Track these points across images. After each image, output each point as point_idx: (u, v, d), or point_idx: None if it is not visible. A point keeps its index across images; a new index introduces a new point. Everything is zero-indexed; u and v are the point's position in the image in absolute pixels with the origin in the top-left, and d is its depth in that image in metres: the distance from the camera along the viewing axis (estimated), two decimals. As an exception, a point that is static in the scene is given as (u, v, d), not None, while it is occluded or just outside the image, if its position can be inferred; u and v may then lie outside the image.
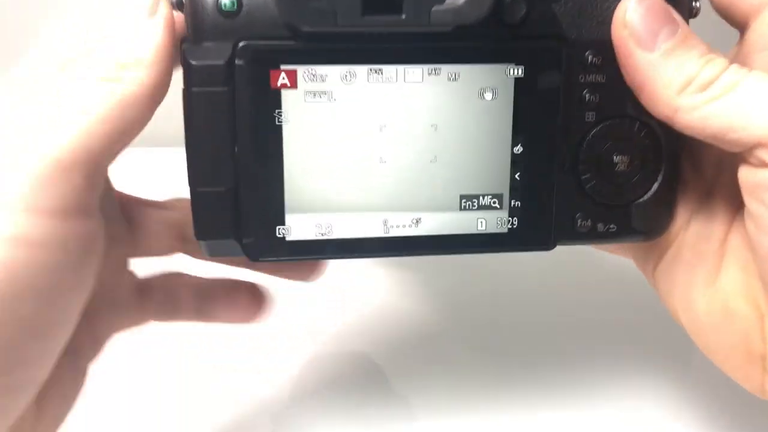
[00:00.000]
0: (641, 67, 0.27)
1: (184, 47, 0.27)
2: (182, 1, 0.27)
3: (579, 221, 0.31)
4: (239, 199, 0.28)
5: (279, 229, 0.29)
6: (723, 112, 0.26)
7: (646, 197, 0.31)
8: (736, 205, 0.31)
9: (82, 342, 0.28)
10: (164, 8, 0.26)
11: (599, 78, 0.30)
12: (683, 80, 0.27)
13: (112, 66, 0.24)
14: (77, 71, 0.24)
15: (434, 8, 0.26)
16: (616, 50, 0.28)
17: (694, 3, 0.31)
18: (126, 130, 0.24)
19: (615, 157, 0.30)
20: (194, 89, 0.27)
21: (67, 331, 0.24)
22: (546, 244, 0.31)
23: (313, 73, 0.28)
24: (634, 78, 0.28)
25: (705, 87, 0.26)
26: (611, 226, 0.31)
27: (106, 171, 0.25)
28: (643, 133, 0.30)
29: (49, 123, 0.22)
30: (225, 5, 0.27)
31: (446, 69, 0.28)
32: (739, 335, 0.30)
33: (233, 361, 0.42)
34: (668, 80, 0.27)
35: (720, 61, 0.27)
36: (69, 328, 0.24)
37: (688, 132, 0.27)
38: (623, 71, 0.28)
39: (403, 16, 0.26)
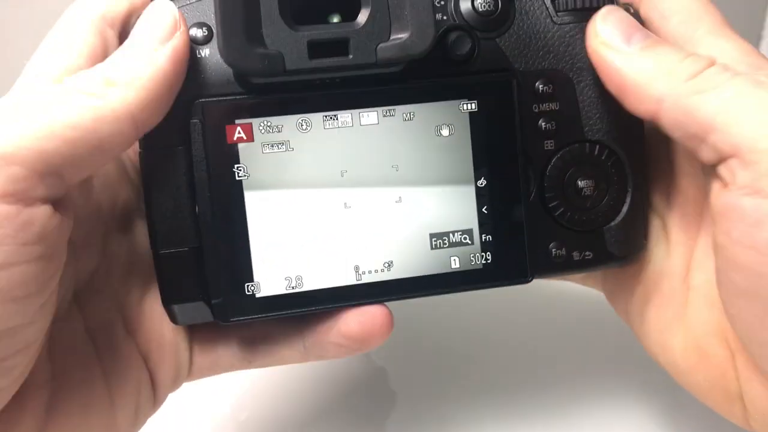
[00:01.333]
0: (619, 67, 0.27)
1: None
2: None
3: (554, 251, 0.30)
4: (204, 258, 0.28)
5: (248, 286, 0.28)
6: (707, 107, 0.25)
7: (617, 220, 0.31)
8: (693, 237, 0.30)
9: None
10: (178, 39, 0.26)
11: (552, 106, 0.30)
12: (665, 69, 0.26)
13: (99, 81, 0.24)
14: (66, 81, 0.24)
15: (380, 46, 0.26)
16: (593, 62, 0.28)
17: None
18: (99, 143, 0.24)
19: (580, 182, 0.30)
20: (150, 149, 0.27)
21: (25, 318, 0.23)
22: (523, 277, 0.30)
23: (269, 124, 0.28)
24: (614, 81, 0.27)
25: (689, 78, 0.25)
26: (587, 253, 0.31)
27: (73, 176, 0.24)
28: (604, 155, 0.30)
29: (10, 117, 0.23)
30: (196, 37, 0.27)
31: (400, 110, 0.29)
32: (715, 375, 0.29)
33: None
34: (649, 72, 0.26)
35: (702, 58, 0.26)
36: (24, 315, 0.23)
37: (670, 130, 0.26)
38: (603, 80, 0.28)
39: (351, 56, 0.26)
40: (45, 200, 0.23)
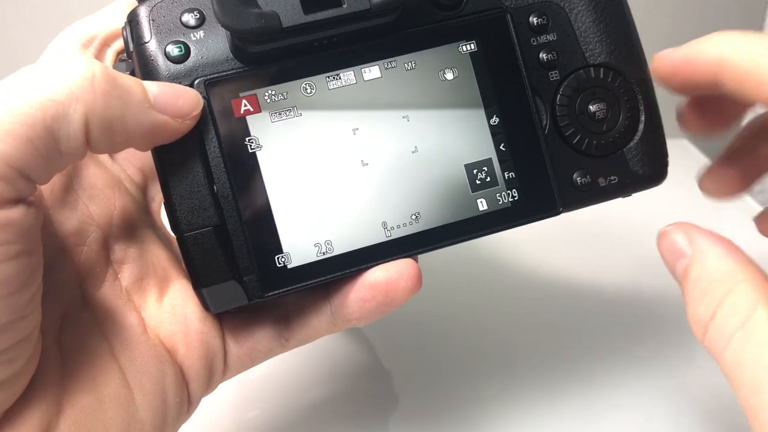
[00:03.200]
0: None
1: None
2: (131, 62, 0.28)
3: (579, 180, 0.30)
4: (229, 236, 0.27)
5: (278, 258, 0.27)
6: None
7: (636, 138, 0.30)
8: None
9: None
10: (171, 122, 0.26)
11: (550, 37, 0.30)
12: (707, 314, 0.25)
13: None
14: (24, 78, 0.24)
15: None
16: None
17: None
18: (56, 143, 0.23)
19: (591, 106, 0.30)
20: None
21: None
22: (553, 209, 0.30)
23: (273, 93, 0.28)
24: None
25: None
26: (612, 177, 0.30)
27: (41, 175, 0.24)
28: (610, 77, 0.30)
29: None
30: (172, 53, 0.27)
31: (401, 60, 0.29)
32: None
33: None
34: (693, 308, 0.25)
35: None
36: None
37: None
38: None
39: (345, 5, 0.26)
40: (16, 201, 0.23)
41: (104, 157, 0.31)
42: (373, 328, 0.45)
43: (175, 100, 0.26)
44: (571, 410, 0.39)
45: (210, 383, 0.30)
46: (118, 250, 0.29)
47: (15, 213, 0.22)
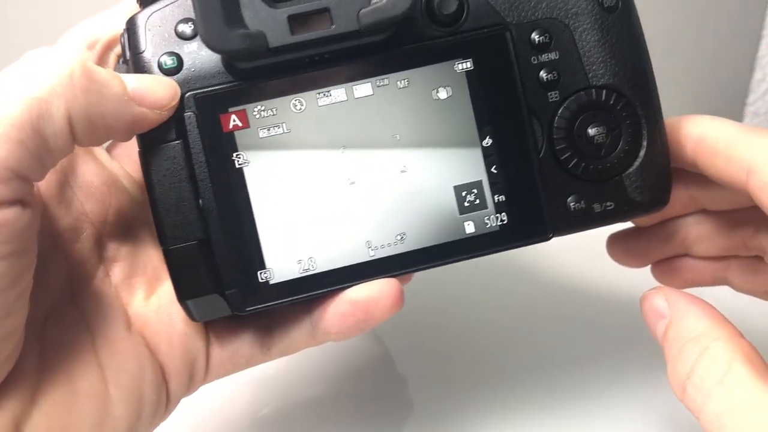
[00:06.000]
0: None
1: None
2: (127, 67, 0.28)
3: (572, 205, 0.29)
4: (213, 250, 0.28)
5: (261, 273, 0.28)
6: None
7: (636, 165, 0.29)
8: None
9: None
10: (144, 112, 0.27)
11: (552, 56, 0.29)
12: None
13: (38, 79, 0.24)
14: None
15: (361, 11, 0.26)
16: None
17: None
18: (45, 143, 0.24)
19: (590, 130, 0.29)
20: (148, 147, 0.27)
21: None
22: (543, 235, 0.29)
23: (262, 108, 0.28)
24: None
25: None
26: (608, 203, 0.29)
27: (35, 174, 0.25)
28: (612, 99, 0.29)
29: None
30: (165, 64, 0.27)
31: (394, 77, 0.28)
32: None
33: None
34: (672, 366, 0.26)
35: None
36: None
37: None
38: None
39: (333, 26, 0.26)
40: (12, 202, 0.23)
41: (102, 155, 0.32)
42: (386, 329, 0.45)
43: (152, 93, 0.27)
44: (573, 413, 0.39)
45: (191, 384, 0.31)
46: (111, 248, 0.30)
47: (9, 214, 0.23)
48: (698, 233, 0.34)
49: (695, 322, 0.26)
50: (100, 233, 0.30)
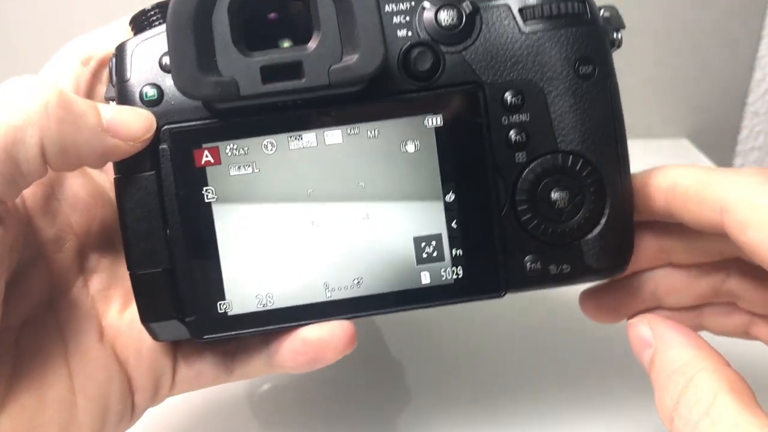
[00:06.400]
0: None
1: None
2: (112, 97, 0.29)
3: (529, 264, 0.30)
4: (177, 278, 0.29)
5: (220, 304, 0.29)
6: None
7: (596, 231, 0.30)
8: None
9: None
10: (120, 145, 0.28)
11: (523, 117, 0.30)
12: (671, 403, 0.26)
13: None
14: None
15: (332, 67, 0.27)
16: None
17: (616, 35, 0.31)
18: (17, 167, 0.25)
19: (553, 194, 0.30)
20: (123, 175, 0.28)
21: None
22: (496, 291, 0.30)
23: (235, 147, 0.29)
24: None
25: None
26: (564, 266, 0.30)
27: (7, 194, 0.26)
28: (578, 166, 0.30)
29: None
30: (147, 94, 0.28)
31: (364, 127, 0.29)
32: None
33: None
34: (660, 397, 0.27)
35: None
36: None
37: None
38: None
39: (304, 80, 0.27)
40: None
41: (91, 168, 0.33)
42: (388, 331, 0.47)
43: (127, 125, 0.28)
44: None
45: (156, 397, 0.32)
46: (92, 259, 0.32)
47: None
48: (668, 285, 0.34)
49: (680, 352, 0.26)
50: (83, 244, 0.32)
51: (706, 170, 0.29)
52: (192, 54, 0.26)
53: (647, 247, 0.33)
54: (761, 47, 0.66)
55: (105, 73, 0.32)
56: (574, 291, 0.37)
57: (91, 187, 0.32)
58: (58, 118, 0.26)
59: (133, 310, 0.32)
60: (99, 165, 0.28)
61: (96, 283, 0.32)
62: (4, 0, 0.49)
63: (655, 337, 0.27)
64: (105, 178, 0.33)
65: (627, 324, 0.29)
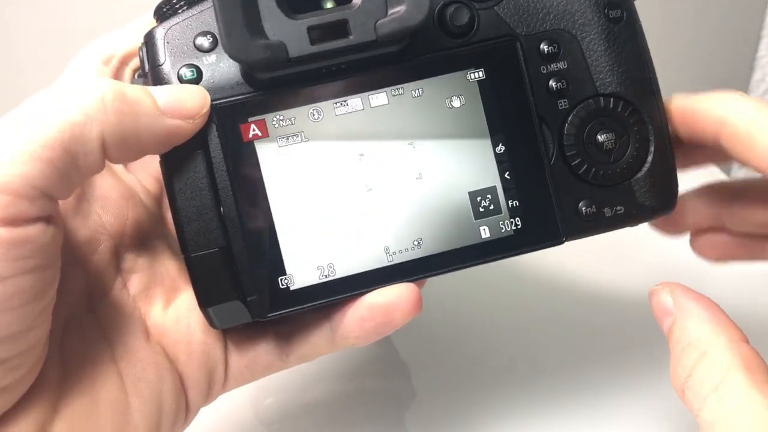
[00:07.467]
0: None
1: None
2: (147, 80, 0.29)
3: (584, 209, 0.30)
4: (234, 257, 0.28)
5: (281, 279, 0.28)
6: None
7: (644, 170, 0.30)
8: None
9: None
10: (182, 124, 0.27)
11: (560, 65, 0.30)
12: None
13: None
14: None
15: (378, 22, 0.27)
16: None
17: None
18: (74, 162, 0.24)
19: (600, 136, 0.30)
20: (169, 156, 0.28)
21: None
22: (557, 238, 0.30)
23: (281, 118, 0.28)
24: None
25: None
26: (618, 208, 0.30)
27: (61, 192, 0.25)
28: (620, 107, 0.30)
29: None
30: (185, 75, 0.28)
31: (408, 87, 0.29)
32: None
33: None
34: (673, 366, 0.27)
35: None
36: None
37: None
38: None
39: (351, 37, 0.27)
40: (37, 219, 0.24)
41: (119, 168, 0.32)
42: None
43: (184, 102, 0.27)
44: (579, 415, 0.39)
45: (210, 393, 0.31)
46: (129, 260, 0.31)
47: (33, 230, 0.24)
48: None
49: (698, 324, 0.26)
50: (118, 245, 0.31)
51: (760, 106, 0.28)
52: (241, 19, 0.26)
53: (707, 212, 0.33)
54: (761, 47, 0.67)
55: (127, 72, 0.32)
56: (587, 286, 0.37)
57: (122, 188, 0.31)
58: (116, 110, 0.25)
59: (177, 306, 0.31)
60: (161, 150, 0.27)
61: (136, 283, 0.31)
62: (5, 2, 0.48)
63: (676, 307, 0.27)
64: (133, 179, 0.32)
65: (649, 291, 0.29)
